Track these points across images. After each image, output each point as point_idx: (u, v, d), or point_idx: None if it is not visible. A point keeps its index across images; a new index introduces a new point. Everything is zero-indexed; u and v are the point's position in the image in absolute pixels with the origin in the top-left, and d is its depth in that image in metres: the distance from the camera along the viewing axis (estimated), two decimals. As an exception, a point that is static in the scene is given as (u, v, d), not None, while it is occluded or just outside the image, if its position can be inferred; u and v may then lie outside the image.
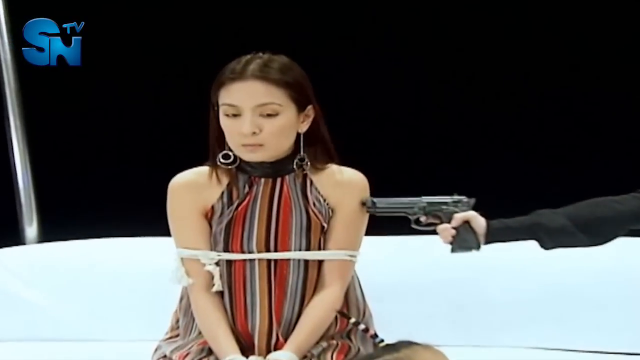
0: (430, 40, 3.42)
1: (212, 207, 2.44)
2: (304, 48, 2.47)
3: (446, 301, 3.02)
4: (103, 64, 3.40)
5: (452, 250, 2.43)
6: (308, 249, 2.43)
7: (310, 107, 2.41)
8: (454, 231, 2.41)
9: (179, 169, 2.48)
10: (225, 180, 2.44)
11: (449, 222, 2.43)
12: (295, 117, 2.39)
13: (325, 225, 2.44)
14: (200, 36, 3.40)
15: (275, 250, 2.42)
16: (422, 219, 2.45)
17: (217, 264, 2.42)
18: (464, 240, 2.41)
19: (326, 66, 2.86)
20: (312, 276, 2.43)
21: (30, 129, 3.45)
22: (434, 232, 2.47)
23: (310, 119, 2.42)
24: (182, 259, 2.44)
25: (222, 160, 2.41)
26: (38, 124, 3.46)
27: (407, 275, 3.03)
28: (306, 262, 2.43)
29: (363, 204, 2.43)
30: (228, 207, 2.42)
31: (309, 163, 2.42)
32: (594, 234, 2.42)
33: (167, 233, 2.48)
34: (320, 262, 2.45)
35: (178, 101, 3.29)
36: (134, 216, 3.17)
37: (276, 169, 2.43)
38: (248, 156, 2.40)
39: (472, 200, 2.45)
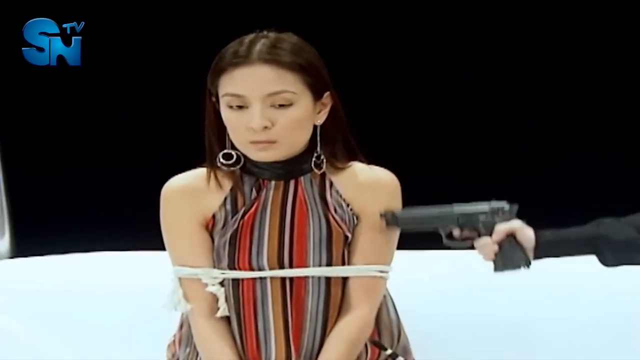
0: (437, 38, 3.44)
1: (214, 217, 2.27)
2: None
3: (498, 332, 2.78)
4: (103, 64, 3.43)
5: (496, 269, 2.22)
6: (329, 264, 2.26)
7: (327, 94, 2.24)
8: (496, 247, 2.21)
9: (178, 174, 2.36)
10: (228, 184, 2.27)
11: (489, 234, 2.22)
12: (312, 106, 2.22)
13: (349, 235, 2.27)
14: (201, 36, 3.36)
15: (290, 266, 2.26)
16: (456, 233, 2.24)
17: (221, 283, 2.26)
18: (509, 258, 2.20)
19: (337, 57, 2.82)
20: (336, 296, 2.26)
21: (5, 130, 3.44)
22: (472, 247, 2.28)
23: (328, 108, 2.25)
24: (180, 279, 2.28)
25: (223, 160, 2.24)
26: (37, 124, 3.50)
27: (451, 297, 2.81)
28: (328, 279, 2.26)
29: (382, 216, 2.25)
30: (232, 216, 2.26)
31: (325, 161, 2.26)
32: None
33: (162, 246, 2.35)
34: (344, 280, 2.28)
35: (179, 102, 3.19)
36: (123, 228, 3.14)
37: (289, 169, 2.26)
38: (258, 155, 2.22)
39: (515, 207, 2.24)
